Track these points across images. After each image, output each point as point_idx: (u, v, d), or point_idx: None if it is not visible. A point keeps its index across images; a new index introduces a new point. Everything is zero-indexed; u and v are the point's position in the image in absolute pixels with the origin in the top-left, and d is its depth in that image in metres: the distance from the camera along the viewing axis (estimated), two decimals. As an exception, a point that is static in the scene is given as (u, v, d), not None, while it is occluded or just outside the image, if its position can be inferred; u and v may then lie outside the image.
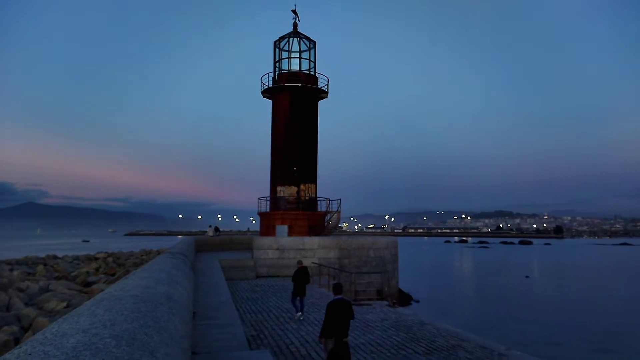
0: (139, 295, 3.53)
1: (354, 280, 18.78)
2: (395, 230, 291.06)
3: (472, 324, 21.97)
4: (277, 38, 33.97)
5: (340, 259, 24.46)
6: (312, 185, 32.29)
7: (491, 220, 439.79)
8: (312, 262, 23.37)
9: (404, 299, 27.97)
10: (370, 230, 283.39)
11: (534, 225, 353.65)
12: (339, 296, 8.15)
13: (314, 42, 34.16)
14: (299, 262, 14.36)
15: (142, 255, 48.81)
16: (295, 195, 31.36)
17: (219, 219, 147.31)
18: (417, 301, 29.07)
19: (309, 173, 32.18)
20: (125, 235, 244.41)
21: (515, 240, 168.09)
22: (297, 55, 33.56)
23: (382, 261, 25.89)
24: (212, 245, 32.73)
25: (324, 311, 14.75)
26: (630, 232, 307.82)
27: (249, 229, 78.28)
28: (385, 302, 17.12)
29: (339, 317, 7.65)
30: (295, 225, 30.48)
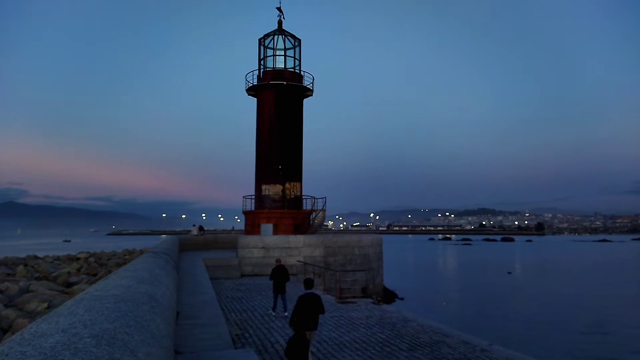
0: (120, 294, 3.49)
1: (339, 278, 18.82)
2: (380, 228, 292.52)
3: (455, 321, 22.22)
4: (262, 35, 33.84)
5: (325, 257, 24.50)
6: (297, 184, 32.27)
7: (474, 217, 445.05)
8: (298, 261, 23.37)
9: (388, 296, 28.15)
10: (356, 229, 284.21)
11: (516, 223, 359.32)
12: (309, 290, 8.63)
13: (299, 40, 34.12)
14: (277, 260, 14.65)
15: (124, 255, 48.24)
16: (281, 193, 31.31)
17: (204, 218, 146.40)
18: (402, 298, 29.28)
19: (294, 171, 32.15)
20: (108, 235, 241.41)
21: (498, 237, 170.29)
22: (282, 53, 33.47)
23: (367, 259, 26.02)
24: (196, 244, 32.51)
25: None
26: (610, 229, 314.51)
27: (233, 227, 77.96)
28: (370, 300, 17.21)
29: (307, 310, 8.16)
30: (281, 223, 30.44)
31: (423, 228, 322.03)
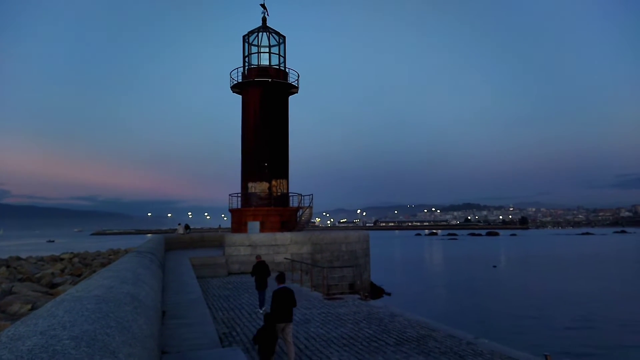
0: (101, 295, 3.42)
1: (326, 275, 18.82)
2: (367, 225, 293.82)
3: (442, 315, 22.42)
4: (246, 32, 33.61)
5: (312, 254, 24.51)
6: (284, 181, 32.18)
7: (460, 212, 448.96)
8: (285, 258, 23.35)
9: (376, 292, 28.28)
10: (343, 225, 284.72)
11: (500, 217, 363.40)
12: (282, 285, 9.13)
13: (284, 37, 33.95)
14: (257, 256, 14.89)
15: (109, 255, 47.67)
16: (267, 191, 31.20)
17: (190, 216, 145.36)
18: (389, 294, 29.43)
19: (280, 169, 32.05)
20: (92, 234, 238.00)
21: (483, 232, 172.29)
22: (267, 50, 33.29)
23: (354, 255, 26.09)
24: (182, 243, 32.24)
25: (297, 307, 14.84)
26: (592, 222, 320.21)
27: (220, 226, 77.54)
28: (357, 296, 17.26)
29: (281, 303, 8.64)
30: (267, 221, 30.34)
31: (409, 224, 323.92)
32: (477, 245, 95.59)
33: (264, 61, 33.13)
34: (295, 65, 37.51)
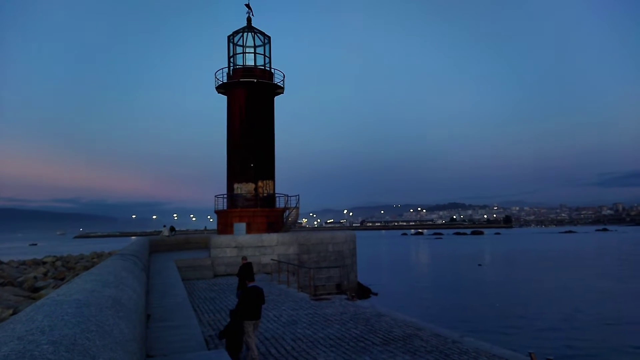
0: (82, 299, 3.36)
1: (313, 276, 18.81)
2: (354, 225, 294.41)
3: (428, 314, 22.57)
4: (231, 33, 33.45)
5: (299, 255, 24.48)
6: (270, 182, 32.09)
7: (445, 212, 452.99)
8: (272, 259, 23.27)
9: (363, 292, 28.34)
10: (329, 226, 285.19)
11: (485, 216, 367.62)
12: (253, 284, 9.47)
13: (269, 37, 33.86)
14: (244, 257, 14.78)
15: (93, 258, 47.01)
16: (253, 192, 31.07)
17: (175, 218, 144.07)
18: (376, 294, 29.52)
19: (266, 169, 31.95)
20: (75, 237, 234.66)
21: (468, 231, 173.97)
22: (252, 50, 33.17)
23: (340, 256, 26.12)
24: (167, 245, 31.94)
25: (284, 308, 14.80)
26: (575, 221, 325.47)
27: (206, 227, 76.93)
28: (344, 296, 17.27)
29: (252, 301, 9.00)
30: (254, 222, 30.22)
31: (396, 223, 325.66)
32: (462, 244, 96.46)
33: (249, 61, 33.02)
34: (281, 65, 37.52)
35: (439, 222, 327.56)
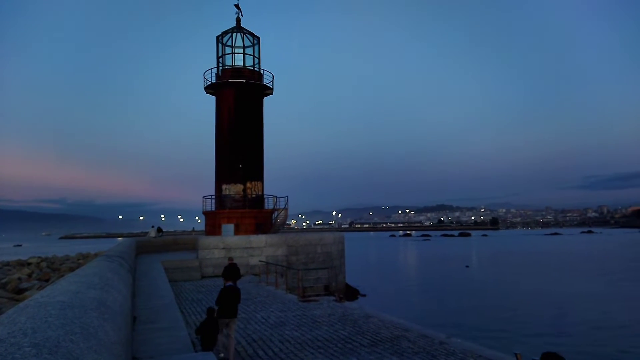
0: (66, 301, 3.31)
1: (301, 277, 18.79)
2: (342, 226, 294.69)
3: (416, 315, 22.66)
4: (220, 33, 33.31)
5: (288, 256, 24.42)
6: (259, 183, 31.98)
7: (433, 214, 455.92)
8: (260, 261, 23.18)
9: (351, 293, 28.37)
10: (318, 227, 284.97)
11: (472, 218, 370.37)
12: (229, 283, 9.90)
13: (258, 38, 33.78)
14: (230, 258, 15.19)
15: (78, 260, 46.47)
16: (241, 193, 30.94)
17: (162, 219, 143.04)
18: (364, 295, 29.57)
19: (255, 170, 31.84)
20: (61, 238, 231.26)
21: (455, 233, 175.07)
22: (241, 50, 33.05)
23: (329, 257, 26.12)
24: (154, 246, 31.66)
25: (272, 310, 14.75)
26: (560, 223, 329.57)
27: (193, 228, 76.47)
28: (333, 297, 17.28)
29: (228, 300, 9.41)
30: (242, 223, 30.09)
31: (384, 225, 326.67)
32: (449, 245, 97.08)
33: (238, 62, 32.89)
34: (270, 66, 37.48)
35: (427, 223, 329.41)
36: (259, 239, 24.60)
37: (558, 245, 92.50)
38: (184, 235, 48.53)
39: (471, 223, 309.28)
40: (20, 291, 26.33)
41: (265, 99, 33.66)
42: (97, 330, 2.93)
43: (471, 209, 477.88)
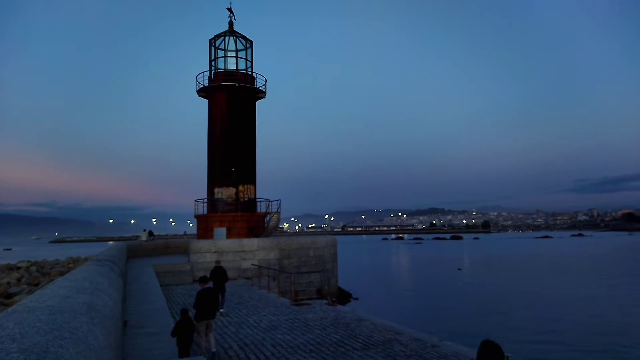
0: (56, 305, 3.28)
1: (293, 281, 18.75)
2: (335, 230, 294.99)
3: (408, 318, 22.68)
4: (213, 36, 33.27)
5: (280, 260, 24.37)
6: (251, 186, 31.91)
7: (425, 217, 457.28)
8: (252, 264, 23.12)
9: (343, 296, 28.34)
10: (311, 230, 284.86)
11: (464, 221, 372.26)
12: (207, 285, 10.23)
13: (251, 42, 33.78)
14: (217, 261, 15.38)
15: (68, 264, 46.05)
16: (234, 196, 30.84)
17: (154, 222, 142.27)
18: (357, 298, 29.55)
19: (247, 174, 31.76)
20: (51, 242, 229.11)
21: (447, 236, 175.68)
22: (234, 54, 33.01)
23: (321, 260, 26.11)
24: (146, 250, 31.47)
25: (264, 314, 14.71)
26: (551, 226, 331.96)
27: (185, 232, 76.14)
28: (325, 301, 17.25)
29: (205, 302, 9.64)
30: (234, 227, 29.98)
31: (377, 228, 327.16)
32: (442, 249, 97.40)
33: (231, 65, 32.84)
34: (263, 70, 37.46)
35: (419, 227, 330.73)
36: (251, 243, 24.53)
37: (549, 248, 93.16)
38: (175, 238, 48.28)
39: (463, 226, 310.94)
40: (9, 296, 26.04)
41: (258, 102, 33.64)
42: (87, 335, 2.90)
43: (463, 212, 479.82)
